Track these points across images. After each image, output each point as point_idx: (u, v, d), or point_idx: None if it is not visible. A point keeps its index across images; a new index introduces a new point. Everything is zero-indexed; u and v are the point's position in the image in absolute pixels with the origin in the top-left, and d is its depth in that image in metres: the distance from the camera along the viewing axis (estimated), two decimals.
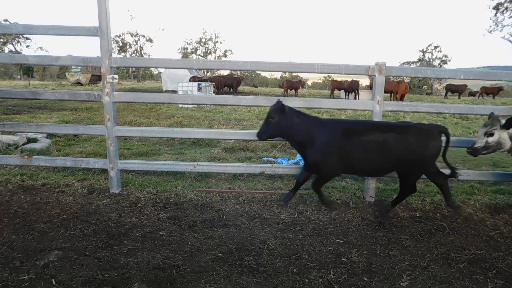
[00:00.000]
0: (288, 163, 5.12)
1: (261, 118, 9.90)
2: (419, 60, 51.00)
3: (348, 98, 23.16)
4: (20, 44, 47.80)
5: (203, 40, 54.22)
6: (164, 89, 24.33)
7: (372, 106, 3.79)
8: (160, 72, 30.10)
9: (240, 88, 28.36)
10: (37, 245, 2.70)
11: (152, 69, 47.90)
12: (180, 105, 12.49)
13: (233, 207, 3.59)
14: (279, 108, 3.29)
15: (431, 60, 50.19)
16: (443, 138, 3.25)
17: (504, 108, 3.93)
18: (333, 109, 11.49)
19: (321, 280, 2.37)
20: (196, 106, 12.32)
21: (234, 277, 2.37)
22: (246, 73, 53.98)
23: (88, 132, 4.34)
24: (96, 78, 28.09)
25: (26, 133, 5.88)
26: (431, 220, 3.37)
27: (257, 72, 56.29)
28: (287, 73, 54.34)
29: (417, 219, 3.41)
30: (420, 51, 51.17)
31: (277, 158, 5.53)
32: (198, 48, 54.66)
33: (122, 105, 11.50)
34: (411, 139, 3.14)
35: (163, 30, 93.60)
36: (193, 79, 22.09)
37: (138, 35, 52.84)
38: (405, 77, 24.06)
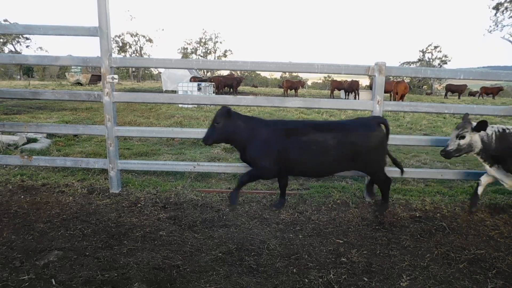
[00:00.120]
0: None
1: None
2: (419, 60, 50.96)
3: (348, 98, 23.15)
4: (20, 44, 47.81)
5: (203, 40, 54.18)
6: (164, 89, 24.32)
7: (372, 106, 3.79)
8: (160, 72, 30.09)
9: (240, 88, 28.35)
10: (37, 245, 2.70)
11: (152, 69, 47.90)
12: (180, 105, 12.49)
13: None
14: (224, 113, 3.26)
15: (431, 60, 50.16)
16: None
17: (504, 108, 3.93)
18: (333, 109, 11.49)
19: (321, 280, 2.37)
20: (196, 106, 12.31)
21: (234, 277, 2.37)
22: (246, 73, 54.00)
23: (88, 132, 4.34)
24: (96, 78, 28.07)
25: (26, 133, 5.88)
26: (431, 220, 3.37)
27: (257, 72, 56.30)
28: (287, 73, 54.35)
29: (417, 219, 3.41)
30: (420, 51, 51.16)
31: None
32: (198, 48, 54.61)
33: (122, 105, 11.49)
34: (352, 134, 3.21)
35: (163, 30, 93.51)
36: (194, 79, 22.08)
37: (138, 35, 52.81)
38: (405, 77, 24.07)
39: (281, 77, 63.33)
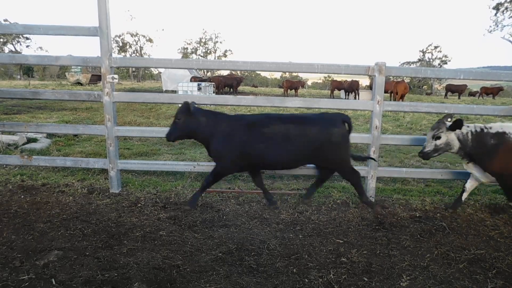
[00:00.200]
0: None
1: None
2: (419, 60, 50.92)
3: (348, 98, 23.15)
4: (20, 44, 47.77)
5: (203, 40, 54.16)
6: (164, 89, 24.32)
7: (372, 106, 3.79)
8: (160, 72, 30.07)
9: (240, 88, 28.35)
10: (37, 245, 2.70)
11: (152, 69, 47.87)
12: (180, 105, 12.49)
13: (233, 207, 3.59)
14: (185, 109, 3.26)
15: (431, 60, 50.12)
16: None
17: (504, 108, 3.93)
18: (333, 109, 11.48)
19: (321, 280, 2.37)
20: None
21: (234, 277, 2.37)
22: (246, 73, 53.98)
23: (88, 132, 4.34)
24: (96, 78, 28.05)
25: (26, 133, 5.88)
26: (431, 220, 3.37)
27: (257, 72, 56.28)
28: (287, 73, 54.32)
29: (417, 219, 3.41)
30: (420, 51, 51.11)
31: None
32: (198, 48, 54.61)
33: (122, 105, 11.49)
34: (315, 128, 3.24)
35: (163, 30, 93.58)
36: (194, 79, 22.09)
37: (138, 35, 52.77)
38: (405, 77, 24.05)
39: (281, 77, 63.30)
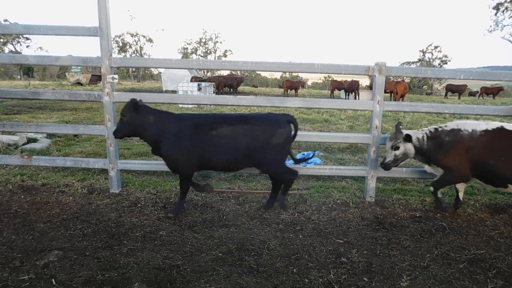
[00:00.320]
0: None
1: None
2: (419, 60, 50.92)
3: (348, 98, 23.15)
4: (20, 44, 47.77)
5: (203, 40, 54.17)
6: (164, 89, 24.32)
7: (372, 106, 3.79)
8: (160, 72, 30.08)
9: (240, 88, 28.34)
10: (37, 245, 2.70)
11: (152, 69, 47.88)
12: (180, 105, 12.49)
13: (233, 207, 3.59)
14: (131, 106, 3.22)
15: (431, 60, 50.12)
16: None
17: (504, 108, 3.93)
18: (333, 109, 11.49)
19: (321, 280, 2.37)
20: (196, 106, 12.32)
21: (234, 277, 2.37)
22: (246, 73, 53.97)
23: (88, 132, 4.34)
24: (96, 78, 28.06)
25: (26, 133, 5.89)
26: (431, 220, 3.37)
27: (257, 72, 56.33)
28: (287, 73, 54.31)
29: (417, 219, 3.41)
30: (420, 51, 51.11)
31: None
32: (198, 48, 54.61)
33: (122, 105, 11.47)
34: (259, 128, 3.22)
35: (163, 30, 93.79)
36: (194, 79, 22.09)
37: (138, 35, 52.79)
38: (405, 77, 24.06)
39: (281, 77, 63.29)
